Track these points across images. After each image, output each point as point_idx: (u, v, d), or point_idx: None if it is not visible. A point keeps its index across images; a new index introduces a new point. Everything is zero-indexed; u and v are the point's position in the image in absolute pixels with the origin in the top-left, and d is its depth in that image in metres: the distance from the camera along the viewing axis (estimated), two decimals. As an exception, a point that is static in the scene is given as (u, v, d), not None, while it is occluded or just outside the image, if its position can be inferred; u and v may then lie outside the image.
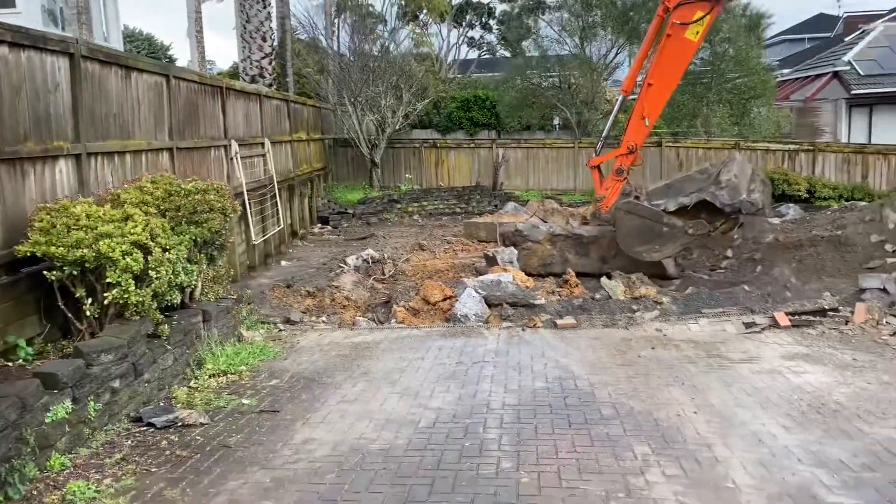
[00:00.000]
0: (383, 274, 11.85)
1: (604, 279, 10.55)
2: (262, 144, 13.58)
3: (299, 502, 4.13)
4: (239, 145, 11.88)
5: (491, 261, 11.35)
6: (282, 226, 14.15)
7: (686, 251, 12.84)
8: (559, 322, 8.37)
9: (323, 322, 9.18)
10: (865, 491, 4.05)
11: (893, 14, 36.25)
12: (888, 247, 10.42)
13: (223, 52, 61.46)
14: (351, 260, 12.27)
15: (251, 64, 17.53)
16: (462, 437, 5.00)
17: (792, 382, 5.95)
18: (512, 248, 11.75)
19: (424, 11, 29.43)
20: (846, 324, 7.61)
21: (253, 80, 17.16)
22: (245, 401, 5.86)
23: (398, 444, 4.90)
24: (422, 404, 5.70)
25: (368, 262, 12.38)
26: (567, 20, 22.15)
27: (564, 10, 22.07)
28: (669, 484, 4.20)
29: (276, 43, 19.59)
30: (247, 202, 11.87)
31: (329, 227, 17.80)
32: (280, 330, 8.35)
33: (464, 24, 32.79)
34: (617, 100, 12.19)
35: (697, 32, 10.31)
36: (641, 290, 10.03)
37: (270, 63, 17.97)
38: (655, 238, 10.86)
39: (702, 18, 10.22)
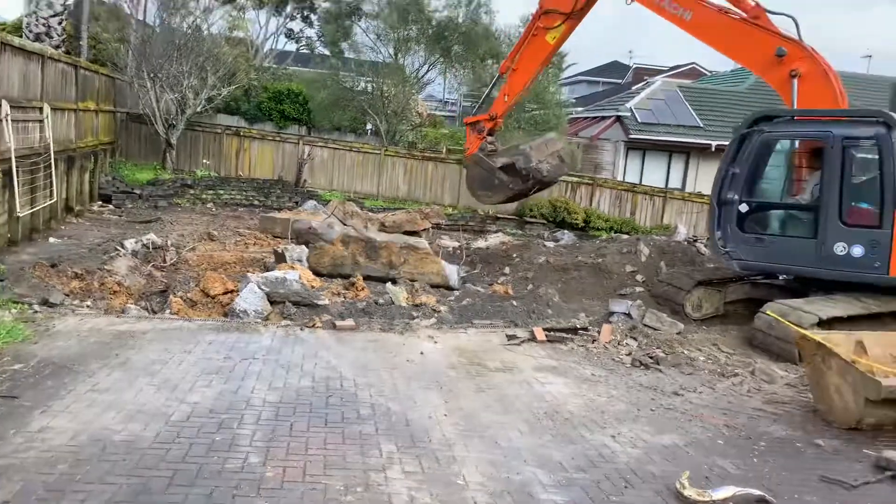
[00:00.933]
0: (164, 261, 11.33)
1: (389, 285, 10.89)
2: (41, 109, 12.45)
3: (22, 492, 3.91)
4: (11, 107, 10.81)
5: (280, 257, 11.27)
6: (55, 199, 13.05)
7: (470, 265, 13.61)
8: (338, 323, 8.53)
9: (87, 307, 8.62)
10: (574, 490, 4.60)
11: (673, 71, 40.83)
12: (639, 277, 11.75)
13: (12, 2, 54.74)
14: (129, 243, 11.60)
15: (37, 20, 15.98)
16: (214, 431, 4.99)
17: (536, 391, 6.57)
18: (303, 246, 11.75)
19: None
20: (593, 342, 8.50)
21: (38, 39, 15.65)
22: (-22, 385, 5.39)
23: (145, 437, 4.78)
24: (179, 398, 5.59)
25: (149, 248, 11.78)
26: (383, 30, 22.54)
27: (381, 19, 22.43)
28: (406, 480, 4.50)
29: (70, 1, 17.99)
30: (14, 169, 10.83)
31: (111, 207, 16.63)
32: (35, 311, 7.75)
33: (284, 14, 32.15)
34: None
35: (554, 37, 12.25)
36: (423, 298, 10.48)
37: (61, 23, 16.49)
38: (490, 187, 13.34)
39: (558, 27, 12.10)
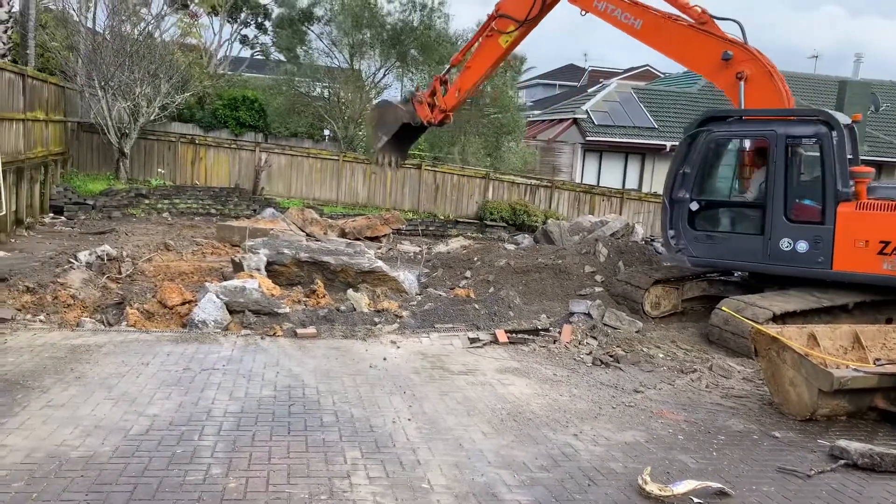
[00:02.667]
0: (119, 273, 11.11)
1: (350, 291, 10.84)
2: (-13, 120, 12.14)
3: (-26, 514, 3.81)
4: (-45, 117, 10.51)
5: (238, 266, 11.13)
6: (4, 212, 12.71)
7: (431, 269, 13.62)
8: (300, 331, 8.47)
9: (40, 321, 8.41)
10: (538, 489, 4.64)
11: (627, 73, 41.48)
12: (598, 277, 11.90)
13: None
14: (83, 255, 11.33)
15: (-19, 28, 15.56)
16: (175, 444, 4.91)
17: (499, 393, 6.61)
18: (261, 255, 11.59)
19: (196, 0, 28.12)
20: (554, 342, 8.57)
21: (-18, 47, 15.24)
22: (-74, 405, 5.22)
23: (103, 452, 4.69)
24: (137, 411, 5.49)
25: (104, 260, 11.52)
26: (337, 35, 22.46)
27: (334, 24, 22.34)
28: (371, 485, 4.49)
29: (15, 9, 17.57)
30: (-41, 182, 10.53)
31: (63, 218, 16.26)
32: (-15, 328, 7.53)
33: (238, 21, 31.83)
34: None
35: (507, 41, 12.26)
36: (385, 304, 10.46)
37: (6, 31, 16.10)
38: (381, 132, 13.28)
39: (511, 32, 12.09)
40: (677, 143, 25.96)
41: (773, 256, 9.43)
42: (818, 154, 9.32)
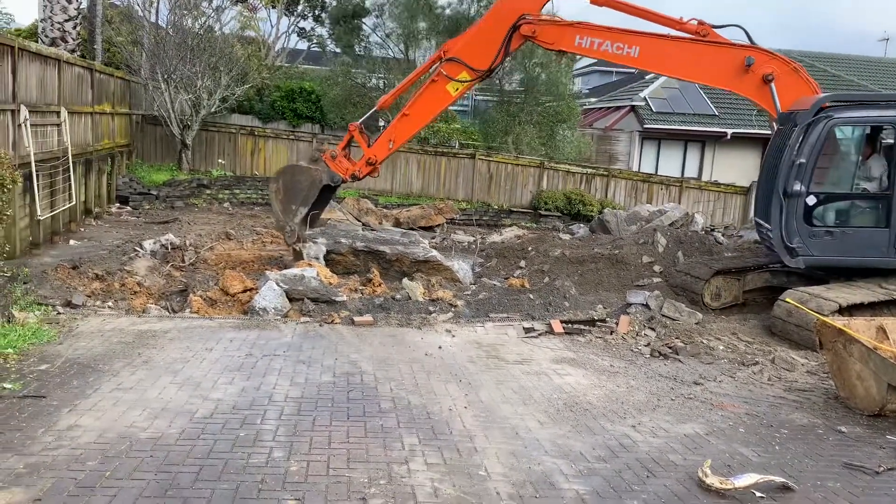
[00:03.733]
0: (183, 261, 11.44)
1: (405, 280, 10.93)
2: (59, 113, 12.59)
3: (53, 489, 3.99)
4: (30, 111, 10.95)
5: (297, 255, 11.34)
6: (74, 202, 13.19)
7: (486, 259, 13.61)
8: (357, 319, 8.59)
9: (109, 307, 8.73)
10: (595, 479, 4.62)
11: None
12: (656, 268, 11.71)
13: (27, 6, 55.19)
14: (148, 244, 11.72)
15: (52, 25, 16.13)
16: (238, 427, 5.05)
17: (555, 383, 6.58)
18: (321, 245, 11.77)
19: (255, -6, 28.61)
20: (611, 333, 8.49)
21: (53, 44, 15.80)
22: (7, 385, 5.49)
23: (170, 434, 4.85)
24: (202, 395, 5.66)
25: (168, 248, 11.89)
26: (391, 27, 22.51)
27: (387, 16, 22.39)
28: (429, 471, 4.54)
29: (83, 6, 18.16)
30: (34, 174, 10.97)
31: (129, 208, 16.80)
32: (59, 313, 7.86)
33: (295, 13, 32.24)
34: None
35: (457, 89, 11.02)
36: (439, 293, 10.52)
37: (76, 27, 16.63)
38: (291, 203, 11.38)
39: (464, 81, 10.93)
40: (739, 131, 25.23)
41: None
42: None
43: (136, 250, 11.47)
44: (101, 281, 9.61)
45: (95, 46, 20.02)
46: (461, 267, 12.09)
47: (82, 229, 13.70)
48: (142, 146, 20.68)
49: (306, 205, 11.34)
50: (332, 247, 11.69)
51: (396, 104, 14.14)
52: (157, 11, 22.56)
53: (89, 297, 9.02)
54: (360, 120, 12.11)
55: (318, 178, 11.36)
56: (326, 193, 11.95)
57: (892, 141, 9.06)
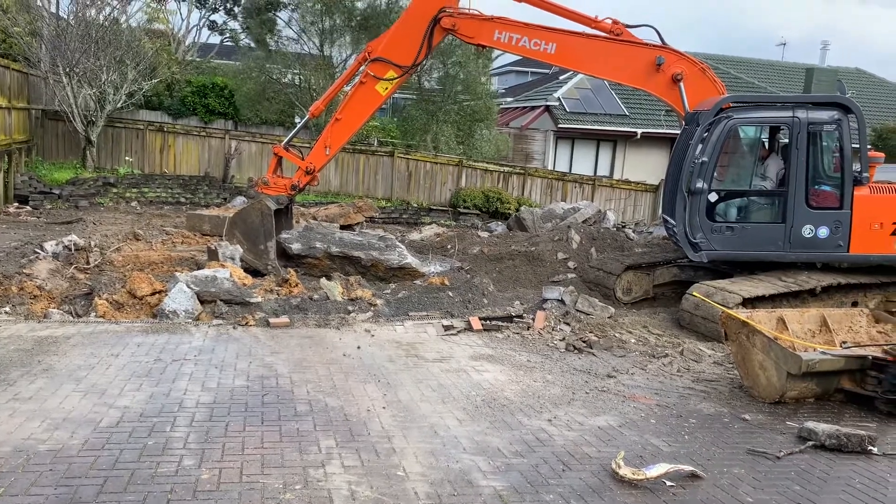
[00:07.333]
0: (87, 263, 10.92)
1: (323, 280, 10.76)
2: (-53, 107, 11.81)
3: (-60, 511, 3.72)
4: (-87, 104, 10.22)
5: (213, 254, 11.00)
6: (-34, 202, 12.40)
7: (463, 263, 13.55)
8: (272, 321, 8.41)
9: (6, 313, 8.24)
10: (513, 475, 4.66)
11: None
12: (571, 264, 11.97)
13: None
14: (50, 245, 11.11)
15: (-61, 13, 15.11)
16: (146, 436, 4.85)
17: (473, 380, 6.62)
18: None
19: (163, -14, 27.58)
20: (528, 329, 8.62)
21: (-59, 32, 14.81)
22: None
23: (72, 445, 4.61)
24: (108, 403, 5.41)
25: (71, 250, 11.31)
26: (306, 22, 22.16)
27: (302, 10, 22.03)
28: (346, 474, 4.47)
29: (-26, -7, 17.09)
30: (-81, 171, 10.25)
31: (28, 208, 15.92)
32: (-52, 320, 7.36)
33: (207, 6, 31.28)
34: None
35: (386, 88, 11.11)
36: (358, 292, 10.40)
37: (-34, 15, 15.63)
38: (254, 243, 11.16)
39: (392, 79, 11.02)
40: (648, 130, 26.04)
41: (795, 244, 9.39)
42: (837, 139, 9.33)
43: (36, 252, 10.86)
44: (-3, 285, 9.05)
45: (-11, 37, 18.87)
46: (438, 271, 11.97)
47: (-24, 230, 12.89)
48: (42, 143, 19.66)
49: (270, 238, 11.18)
50: (307, 251, 11.53)
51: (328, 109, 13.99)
52: (57, 1, 21.47)
53: (-17, 302, 8.48)
54: (285, 140, 12.13)
55: (265, 209, 11.24)
56: (282, 217, 11.88)
57: (787, 141, 9.53)
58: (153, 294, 9.09)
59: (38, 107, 19.03)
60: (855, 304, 9.42)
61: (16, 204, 16.02)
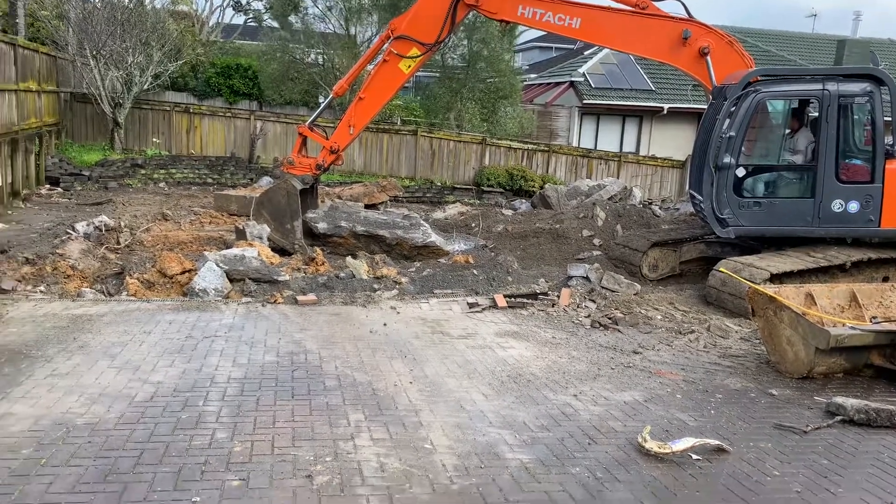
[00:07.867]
0: (118, 243, 11.11)
1: (349, 258, 10.84)
2: (-21, 91, 12.03)
3: (-15, 480, 3.86)
4: (-54, 89, 10.42)
5: (240, 234, 11.13)
6: (0, 183, 12.66)
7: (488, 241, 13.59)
8: (300, 298, 8.52)
9: (41, 292, 8.44)
10: (539, 448, 4.72)
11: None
12: (596, 241, 11.93)
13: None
14: (81, 226, 11.32)
15: (-31, -3, 15.33)
16: (180, 410, 4.97)
17: (498, 356, 6.67)
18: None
19: (186, -33, 27.69)
20: (553, 306, 8.63)
21: (-29, 17, 15.04)
22: (-68, 375, 5.27)
23: (109, 418, 4.74)
24: (141, 378, 5.54)
25: (101, 230, 11.51)
26: (331, 1, 22.14)
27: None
28: (375, 447, 4.55)
29: (3, -23, 17.30)
30: (-46, 154, 10.47)
31: (59, 189, 16.19)
32: (-14, 299, 7.55)
33: (230, -13, 31.34)
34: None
35: (409, 66, 11.08)
36: (384, 271, 10.48)
37: (-5, 0, 15.84)
38: (281, 221, 11.36)
39: (415, 57, 10.98)
40: (675, 105, 25.66)
41: (825, 219, 9.25)
42: (868, 112, 9.15)
43: (68, 233, 11.09)
44: (32, 265, 9.27)
45: (18, 21, 19.13)
46: (462, 250, 12.03)
47: (10, 212, 13.17)
48: (72, 125, 19.94)
49: (297, 217, 11.31)
50: (332, 230, 11.67)
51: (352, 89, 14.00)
52: (83, -17, 21.63)
53: (19, 281, 8.69)
54: (310, 120, 12.13)
55: (291, 189, 11.37)
56: (307, 196, 11.98)
57: (817, 114, 9.36)
58: (183, 273, 9.24)
59: (66, 90, 19.28)
60: (886, 280, 9.29)
61: (47, 185, 16.30)
